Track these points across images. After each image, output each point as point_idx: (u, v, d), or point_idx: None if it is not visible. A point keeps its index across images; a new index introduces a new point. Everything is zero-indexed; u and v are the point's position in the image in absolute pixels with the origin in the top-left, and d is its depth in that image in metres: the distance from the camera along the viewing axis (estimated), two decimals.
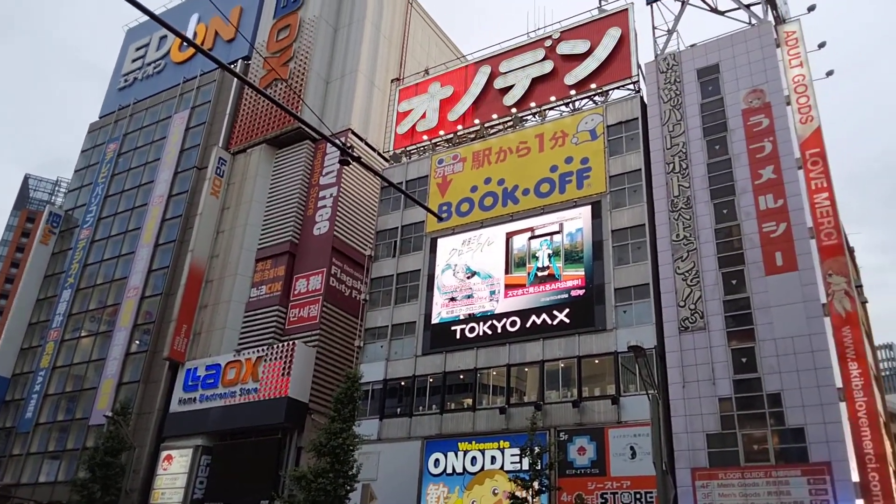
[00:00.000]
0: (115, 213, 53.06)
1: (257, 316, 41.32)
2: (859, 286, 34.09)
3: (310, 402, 36.87)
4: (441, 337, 34.97)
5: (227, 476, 36.34)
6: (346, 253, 41.78)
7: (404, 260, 38.43)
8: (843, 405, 24.70)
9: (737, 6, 33.98)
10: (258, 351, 38.44)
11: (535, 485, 24.12)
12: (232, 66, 34.81)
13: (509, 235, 35.22)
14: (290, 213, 43.39)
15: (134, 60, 61.66)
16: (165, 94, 55.96)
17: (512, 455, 29.92)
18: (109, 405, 40.92)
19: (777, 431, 25.42)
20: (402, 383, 35.33)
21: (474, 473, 30.93)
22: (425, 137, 41.55)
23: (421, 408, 34.27)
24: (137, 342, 45.12)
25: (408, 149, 42.14)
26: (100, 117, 61.33)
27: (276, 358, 37.38)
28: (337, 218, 41.74)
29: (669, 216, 30.73)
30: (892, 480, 25.54)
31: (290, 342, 37.71)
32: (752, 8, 33.38)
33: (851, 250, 35.78)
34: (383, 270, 38.95)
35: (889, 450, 29.73)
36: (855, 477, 23.62)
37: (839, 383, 25.03)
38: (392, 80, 47.90)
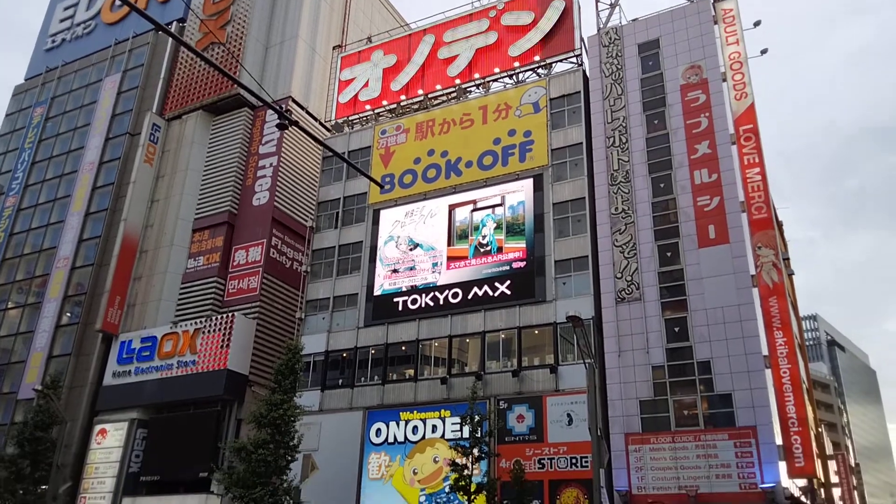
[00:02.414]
0: (42, 181, 50.78)
1: (194, 287, 40.40)
2: (787, 259, 35.55)
3: (250, 375, 36.43)
4: (383, 309, 34.94)
5: (165, 449, 35.70)
6: (287, 224, 41.13)
7: (346, 231, 38.09)
8: (768, 372, 25.84)
9: None
10: (196, 323, 37.66)
11: (475, 452, 24.50)
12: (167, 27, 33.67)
13: (452, 208, 35.25)
14: (229, 182, 42.34)
15: (62, 20, 58.67)
16: (96, 57, 53.48)
17: (453, 424, 30.31)
18: (39, 379, 39.54)
19: (706, 397, 26.45)
20: (344, 355, 35.23)
21: (416, 442, 31.24)
22: (368, 107, 40.99)
23: (363, 379, 34.29)
24: (68, 314, 43.61)
25: (350, 118, 41.54)
26: (25, 79, 58.27)
27: (214, 330, 36.71)
28: (277, 188, 40.95)
29: (609, 190, 31.28)
30: (813, 443, 26.97)
31: (230, 314, 37.06)
32: None
33: (780, 224, 37.24)
34: (325, 242, 38.54)
35: (811, 414, 31.34)
36: (778, 440, 24.82)
37: (765, 351, 26.15)
38: (334, 48, 47.00)
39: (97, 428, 37.97)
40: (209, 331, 36.82)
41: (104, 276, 42.22)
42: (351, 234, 37.86)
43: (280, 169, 41.43)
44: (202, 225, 42.08)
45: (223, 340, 36.13)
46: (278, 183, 41.09)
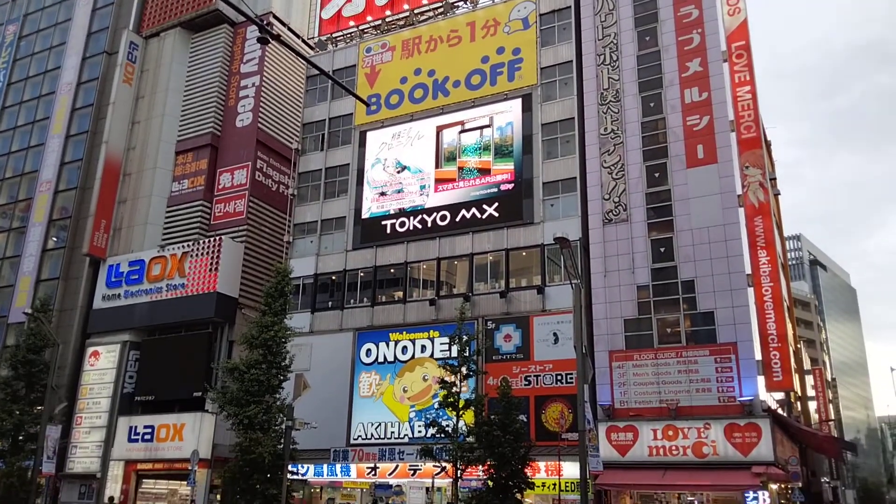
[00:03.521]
0: (20, 102, 49.53)
1: (180, 211, 40.13)
2: (773, 179, 35.59)
3: (240, 297, 36.70)
4: (371, 232, 34.95)
5: (158, 370, 36.30)
6: (272, 146, 40.52)
7: (333, 154, 37.62)
8: (750, 290, 26.29)
9: None
10: (183, 247, 37.60)
11: (463, 370, 25.06)
12: None
13: (439, 129, 34.76)
14: (210, 103, 41.40)
15: None
16: None
17: (441, 344, 30.88)
18: (29, 302, 39.69)
19: (689, 315, 26.99)
20: (333, 278, 35.46)
21: (405, 361, 31.89)
22: (352, 24, 39.73)
23: (352, 301, 34.65)
24: (54, 238, 43.39)
25: (333, 36, 40.31)
26: None
27: (202, 254, 36.69)
28: (261, 109, 40.12)
29: (598, 109, 30.87)
30: (792, 359, 27.76)
31: (217, 238, 36.98)
32: None
33: (769, 144, 37.12)
34: (311, 165, 38.11)
35: (790, 331, 32.14)
36: (758, 356, 25.51)
37: (749, 270, 26.53)
38: None
39: (89, 350, 38.43)
40: (197, 254, 36.81)
41: (88, 199, 41.76)
42: (337, 156, 37.41)
43: (263, 89, 40.46)
44: (185, 147, 41.40)
45: (211, 264, 36.19)
46: (261, 103, 40.23)
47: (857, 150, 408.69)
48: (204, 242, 37.04)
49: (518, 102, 33.11)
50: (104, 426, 36.18)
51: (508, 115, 33.16)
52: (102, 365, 37.70)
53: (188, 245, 37.45)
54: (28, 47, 51.06)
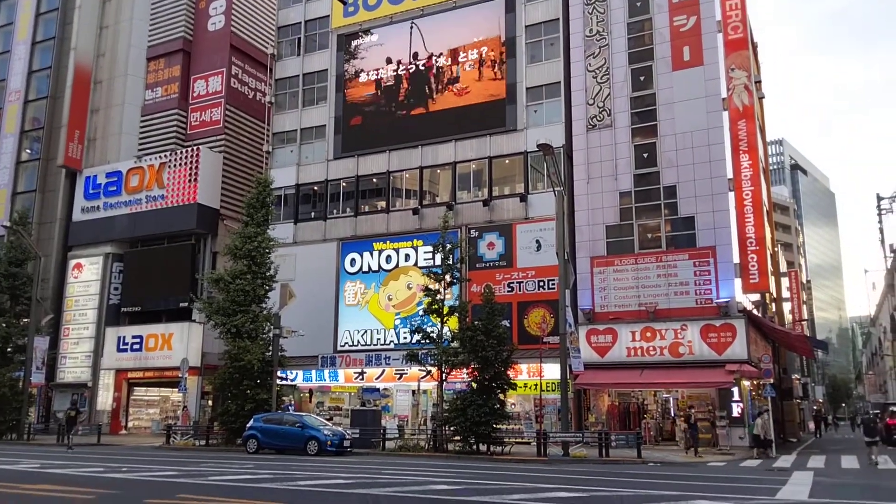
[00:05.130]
0: None
1: (155, 120, 39.13)
2: (758, 82, 35.17)
3: (221, 208, 36.41)
4: (353, 141, 34.40)
5: (142, 282, 36.38)
6: (247, 51, 39.15)
7: (310, 59, 36.48)
8: (731, 195, 26.46)
9: None
10: (161, 157, 36.91)
11: (447, 278, 25.31)
12: None
13: (420, 34, 33.61)
14: (181, 4, 39.60)
15: None
16: None
17: (425, 252, 31.08)
18: (7, 215, 39.14)
19: (670, 220, 27.24)
20: (315, 188, 35.16)
21: (389, 270, 32.17)
22: None
23: (335, 211, 34.51)
24: (28, 150, 42.33)
25: None
26: None
27: (180, 164, 36.07)
28: (233, 11, 38.48)
29: (584, 9, 29.95)
30: (769, 262, 28.31)
31: (195, 147, 36.27)
32: None
33: (755, 46, 36.40)
34: (288, 70, 37.00)
35: (769, 235, 32.62)
36: (736, 259, 25.96)
37: (730, 174, 26.59)
38: None
39: (72, 262, 38.31)
40: (175, 165, 36.19)
41: (60, 109, 40.50)
42: (315, 61, 36.30)
43: None
44: (156, 53, 39.93)
45: (190, 174, 35.65)
46: (234, 5, 38.57)
47: (845, 53, 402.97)
48: (181, 153, 36.35)
49: (501, 3, 31.99)
50: (92, 337, 36.57)
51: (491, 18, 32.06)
52: (86, 277, 37.69)
53: (165, 155, 36.76)
54: None
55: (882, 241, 53.24)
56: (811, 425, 48.61)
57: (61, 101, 40.45)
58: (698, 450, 21.66)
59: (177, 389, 30.62)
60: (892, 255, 52.92)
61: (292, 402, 31.26)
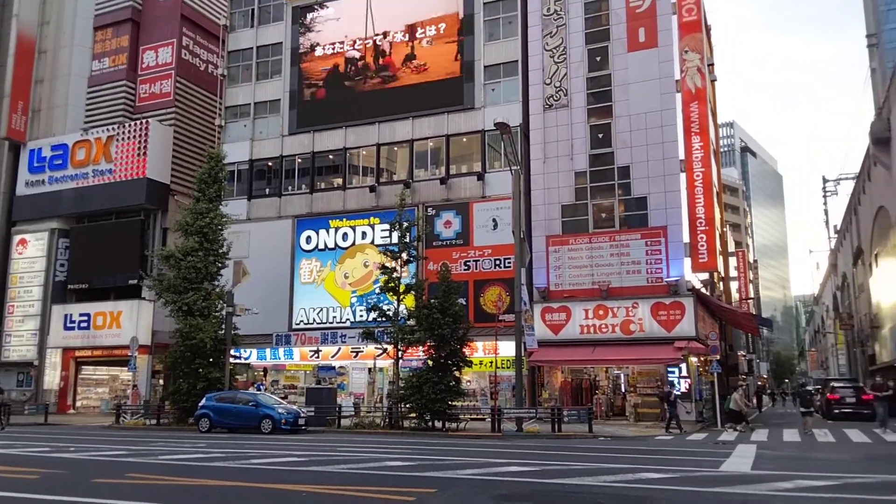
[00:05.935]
0: None
1: (102, 92, 37.90)
2: (711, 64, 35.78)
3: (171, 183, 35.59)
4: (309, 116, 33.90)
5: (90, 258, 35.42)
6: (198, 22, 38.12)
7: (264, 31, 35.70)
8: (682, 176, 26.98)
9: None
10: (108, 130, 35.82)
11: (404, 256, 25.27)
12: None
13: (378, 7, 33.18)
14: None
15: None
16: None
17: (382, 230, 30.96)
18: None
19: (623, 200, 27.66)
20: (270, 164, 34.61)
21: (346, 248, 31.97)
22: None
23: (290, 188, 34.06)
24: None
25: None
26: None
27: (129, 137, 35.08)
28: None
29: None
30: (717, 241, 29.00)
31: (144, 120, 35.28)
32: None
33: (709, 28, 36.92)
34: (241, 43, 36.16)
35: (718, 215, 33.40)
36: (686, 238, 26.55)
37: (682, 156, 27.09)
38: None
39: (16, 238, 37.09)
40: (123, 138, 35.18)
41: (2, 78, 38.84)
42: (269, 34, 35.54)
43: None
44: (104, 22, 38.58)
45: (139, 148, 34.72)
46: None
47: (800, 33, 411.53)
48: (130, 126, 35.33)
49: None
50: (38, 314, 35.58)
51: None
52: (31, 253, 36.55)
53: (113, 128, 35.69)
54: None
55: (826, 223, 55.09)
56: (754, 400, 50.33)
57: (3, 70, 38.81)
58: (671, 426, 21.24)
59: (126, 368, 30.04)
60: (836, 235, 54.85)
61: (263, 383, 30.85)
